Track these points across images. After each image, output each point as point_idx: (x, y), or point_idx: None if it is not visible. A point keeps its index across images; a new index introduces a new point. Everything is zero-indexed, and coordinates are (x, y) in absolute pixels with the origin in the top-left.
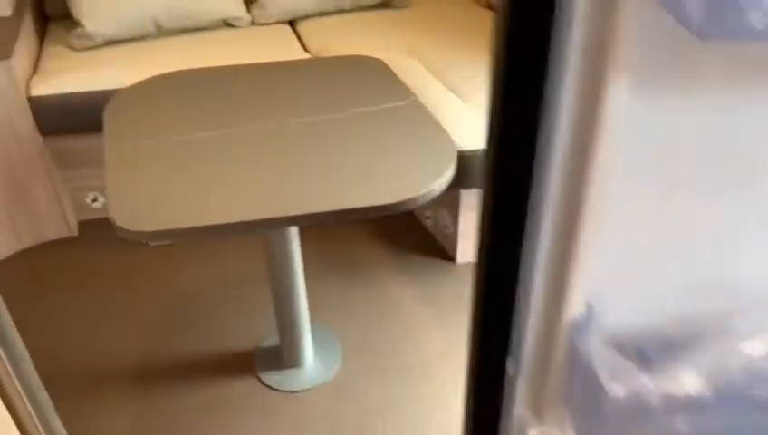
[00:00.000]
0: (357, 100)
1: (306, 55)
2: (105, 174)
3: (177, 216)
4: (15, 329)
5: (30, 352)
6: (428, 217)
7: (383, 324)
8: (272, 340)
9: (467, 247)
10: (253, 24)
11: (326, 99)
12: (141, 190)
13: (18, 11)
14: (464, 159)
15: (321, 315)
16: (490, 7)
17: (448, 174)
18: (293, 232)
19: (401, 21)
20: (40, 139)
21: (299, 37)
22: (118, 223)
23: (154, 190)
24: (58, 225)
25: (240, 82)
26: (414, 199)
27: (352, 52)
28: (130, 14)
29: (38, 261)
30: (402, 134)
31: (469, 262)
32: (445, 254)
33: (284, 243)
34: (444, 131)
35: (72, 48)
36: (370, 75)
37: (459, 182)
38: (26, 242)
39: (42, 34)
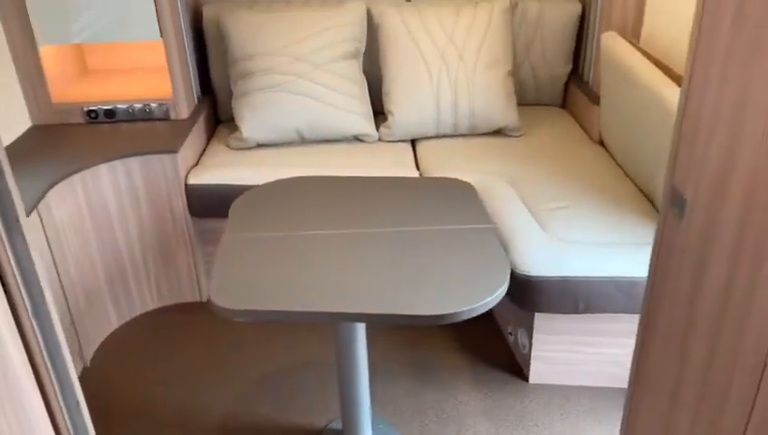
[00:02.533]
0: (440, 218)
1: (415, 172)
2: (216, 256)
3: (260, 300)
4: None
5: (134, 391)
6: (510, 334)
7: (445, 431)
8: (339, 423)
9: (540, 369)
10: (379, 140)
11: (414, 214)
12: (237, 275)
13: (194, 115)
14: (534, 284)
15: (387, 410)
16: (602, 144)
17: (497, 295)
18: (360, 329)
19: (511, 148)
20: (189, 218)
21: (415, 154)
22: (211, 299)
23: (248, 276)
24: (192, 290)
25: (349, 192)
26: (456, 314)
27: (456, 173)
28: (279, 125)
29: (171, 318)
30: (469, 254)
31: (541, 383)
32: (520, 372)
33: (350, 338)
34: (505, 258)
35: (228, 147)
36: (460, 197)
37: (530, 305)
38: (166, 301)
39: (211, 133)
